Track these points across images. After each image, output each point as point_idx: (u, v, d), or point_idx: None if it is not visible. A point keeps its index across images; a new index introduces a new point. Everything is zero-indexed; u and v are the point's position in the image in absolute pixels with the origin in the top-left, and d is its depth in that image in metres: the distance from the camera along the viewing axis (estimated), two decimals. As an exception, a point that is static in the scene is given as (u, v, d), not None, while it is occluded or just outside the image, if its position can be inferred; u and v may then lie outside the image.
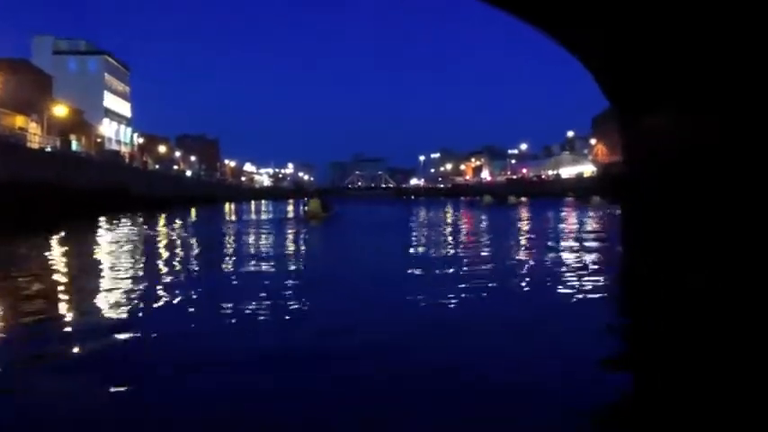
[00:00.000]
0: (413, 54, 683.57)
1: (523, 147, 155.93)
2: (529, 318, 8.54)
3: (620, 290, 11.62)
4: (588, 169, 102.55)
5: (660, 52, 11.10)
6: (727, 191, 10.47)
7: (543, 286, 10.98)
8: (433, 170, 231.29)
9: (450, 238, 23.20)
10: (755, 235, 10.25)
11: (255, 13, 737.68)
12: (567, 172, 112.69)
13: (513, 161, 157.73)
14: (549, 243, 19.54)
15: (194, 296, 10.37)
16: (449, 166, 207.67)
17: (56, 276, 12.99)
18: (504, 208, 55.30)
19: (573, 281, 11.49)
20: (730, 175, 10.23)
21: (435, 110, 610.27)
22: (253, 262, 15.37)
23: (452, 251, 18.15)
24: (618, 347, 7.18)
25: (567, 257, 15.33)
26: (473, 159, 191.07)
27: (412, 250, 18.71)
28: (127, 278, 12.52)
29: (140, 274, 13.46)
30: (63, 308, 9.64)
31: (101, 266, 14.83)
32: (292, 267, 14.48)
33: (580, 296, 10.08)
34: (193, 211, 56.58)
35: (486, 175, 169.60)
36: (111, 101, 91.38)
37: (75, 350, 6.95)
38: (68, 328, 8.09)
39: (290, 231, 27.77)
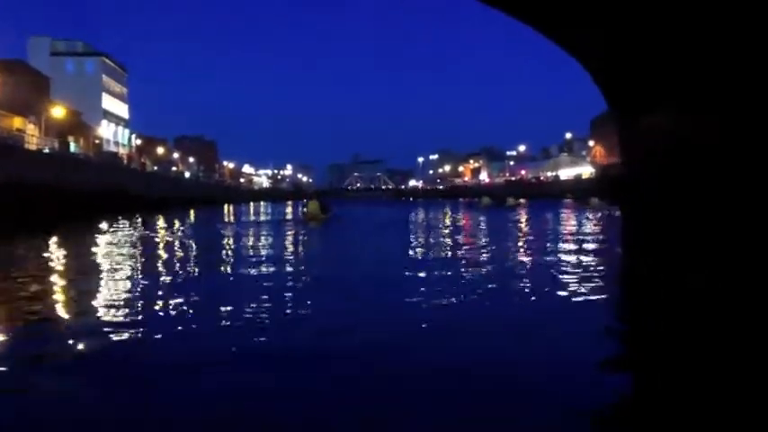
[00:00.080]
0: (413, 54, 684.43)
1: (522, 148, 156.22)
2: (528, 319, 8.53)
3: (620, 291, 11.62)
4: (587, 171, 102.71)
5: (660, 52, 11.11)
6: (728, 191, 10.47)
7: (542, 287, 10.96)
8: (431, 171, 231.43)
9: (449, 240, 23.18)
10: (756, 234, 10.24)
11: (255, 13, 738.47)
12: (565, 173, 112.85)
13: (512, 163, 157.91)
14: (549, 244, 19.53)
15: (194, 297, 10.34)
16: (447, 168, 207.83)
17: (54, 277, 12.95)
18: (503, 209, 55.31)
19: (572, 282, 11.48)
20: (730, 175, 10.22)
21: (435, 110, 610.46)
22: (253, 263, 15.34)
23: (451, 252, 18.14)
24: (618, 348, 7.18)
25: (566, 259, 15.31)
26: (472, 161, 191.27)
27: (411, 251, 18.69)
28: (125, 279, 12.51)
29: (138, 275, 13.43)
30: (62, 308, 9.63)
31: (99, 268, 14.79)
32: (292, 268, 14.44)
33: (580, 297, 10.07)
34: (192, 212, 56.54)
35: (484, 176, 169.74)
36: (108, 102, 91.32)
37: (75, 350, 6.94)
38: (68, 329, 8.07)
39: (289, 233, 27.74)
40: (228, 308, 9.02)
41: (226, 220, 44.51)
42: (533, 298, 10.26)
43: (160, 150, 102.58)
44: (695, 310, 8.88)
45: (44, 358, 6.53)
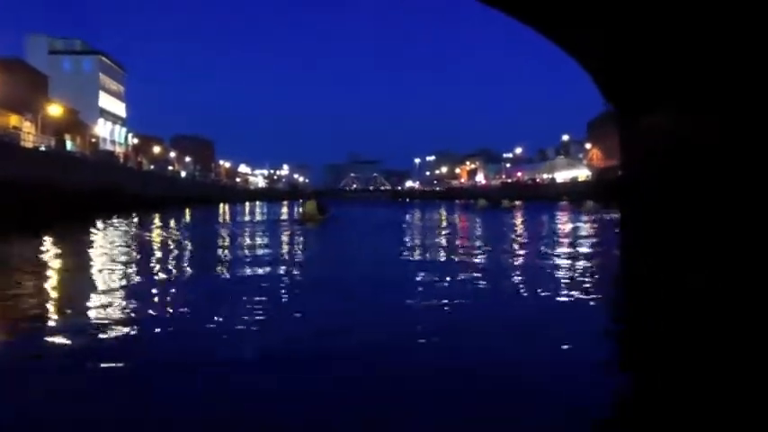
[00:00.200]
0: (413, 54, 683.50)
1: (519, 150, 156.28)
2: (528, 319, 8.55)
3: (619, 292, 11.64)
4: (583, 173, 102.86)
5: (660, 52, 11.13)
6: (728, 191, 10.49)
7: (540, 288, 10.97)
8: (428, 173, 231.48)
9: (446, 240, 23.21)
10: (758, 234, 10.22)
11: (255, 13, 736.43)
12: (561, 176, 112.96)
13: (509, 165, 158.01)
14: (546, 246, 19.57)
15: (190, 297, 10.34)
16: (444, 169, 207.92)
17: (51, 277, 12.93)
18: (498, 211, 55.46)
19: (571, 283, 11.51)
20: (731, 175, 10.22)
21: (434, 110, 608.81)
22: (251, 263, 15.33)
23: (448, 253, 18.14)
24: (618, 349, 7.20)
25: (564, 259, 15.33)
26: (468, 162, 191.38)
27: (409, 252, 18.71)
28: (120, 279, 12.48)
29: (134, 275, 13.38)
30: (59, 309, 9.58)
31: (95, 267, 14.76)
32: (292, 269, 14.43)
33: (578, 298, 10.08)
34: (188, 211, 56.45)
35: (481, 178, 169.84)
36: (105, 101, 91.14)
37: (74, 351, 6.88)
38: (66, 329, 8.00)
39: (288, 233, 27.70)
40: (226, 308, 9.01)
41: (222, 219, 44.45)
42: (531, 298, 10.26)
43: (157, 149, 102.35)
44: (695, 311, 8.90)
45: (43, 358, 6.53)
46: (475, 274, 12.95)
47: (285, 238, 25.01)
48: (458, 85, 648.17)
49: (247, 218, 47.13)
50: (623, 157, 14.68)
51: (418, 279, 12.39)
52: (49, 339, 7.32)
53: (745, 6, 8.94)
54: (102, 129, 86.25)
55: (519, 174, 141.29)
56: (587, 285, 11.32)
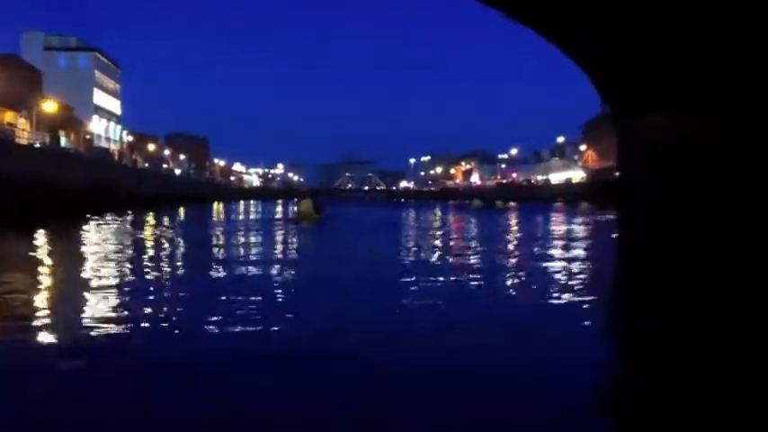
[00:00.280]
0: (413, 54, 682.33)
1: (514, 151, 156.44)
2: (525, 318, 8.57)
3: (617, 292, 11.66)
4: (578, 175, 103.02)
5: (661, 52, 11.14)
6: (729, 191, 10.50)
7: (537, 288, 11.01)
8: (423, 173, 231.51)
9: (441, 241, 23.24)
10: (758, 233, 10.19)
11: (255, 13, 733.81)
12: (556, 177, 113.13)
13: (504, 166, 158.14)
14: (541, 246, 19.61)
15: (186, 297, 10.32)
16: (439, 170, 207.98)
17: (46, 275, 12.89)
18: (493, 212, 55.61)
19: (567, 283, 11.53)
20: (732, 176, 10.21)
21: (433, 111, 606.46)
22: (246, 262, 15.32)
23: (444, 252, 18.17)
24: (616, 349, 7.22)
25: (560, 261, 15.36)
26: (463, 163, 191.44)
27: (405, 251, 18.73)
28: (115, 278, 12.43)
29: (129, 275, 13.28)
30: (56, 308, 9.55)
31: (91, 266, 14.71)
32: (288, 268, 14.42)
33: (576, 298, 10.09)
34: (182, 210, 56.32)
35: (476, 179, 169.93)
36: (101, 98, 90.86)
37: (73, 350, 6.84)
38: (65, 329, 7.99)
39: (283, 232, 27.67)
40: (222, 307, 9.01)
41: (217, 218, 44.39)
42: (528, 298, 10.29)
43: (151, 147, 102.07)
44: (695, 311, 8.93)
45: (42, 358, 6.52)
46: (470, 274, 12.97)
47: (280, 238, 24.98)
48: (457, 86, 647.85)
49: (242, 216, 47.07)
50: (621, 157, 14.66)
51: (414, 279, 12.39)
52: (48, 339, 7.29)
53: (745, 6, 8.94)
54: (96, 126, 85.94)
55: (514, 175, 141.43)
56: (584, 286, 11.36)
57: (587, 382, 5.86)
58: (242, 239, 23.60)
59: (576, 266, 14.52)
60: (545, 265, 14.79)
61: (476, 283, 11.87)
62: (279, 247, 20.75)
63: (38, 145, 51.02)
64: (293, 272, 13.66)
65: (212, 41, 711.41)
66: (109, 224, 31.32)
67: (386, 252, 18.88)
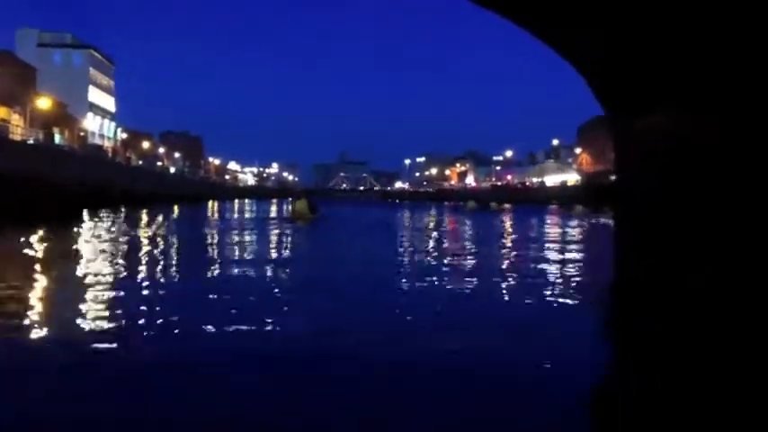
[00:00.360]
0: (413, 54, 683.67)
1: (509, 153, 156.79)
2: (523, 318, 8.57)
3: (615, 293, 11.65)
4: (572, 178, 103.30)
5: (660, 52, 11.11)
6: (729, 191, 10.48)
7: (535, 288, 10.97)
8: (418, 174, 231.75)
9: (437, 241, 23.23)
10: (759, 235, 10.16)
11: (255, 13, 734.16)
12: (551, 180, 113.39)
13: (498, 167, 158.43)
14: (537, 248, 19.61)
15: (182, 296, 10.28)
16: (434, 171, 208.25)
17: (42, 273, 12.80)
18: (488, 213, 55.73)
19: (565, 284, 11.53)
20: (732, 176, 10.19)
21: (432, 111, 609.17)
22: (241, 262, 15.28)
23: (439, 253, 18.14)
24: (617, 349, 7.22)
25: (556, 263, 15.37)
26: (458, 164, 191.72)
27: (400, 252, 18.71)
28: (111, 277, 12.37)
29: (124, 273, 13.16)
30: (54, 308, 9.49)
31: (86, 264, 14.62)
32: (283, 268, 14.38)
33: (575, 299, 10.09)
34: (176, 208, 56.17)
35: (470, 180, 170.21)
36: (95, 95, 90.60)
37: (73, 350, 6.77)
38: (64, 329, 7.93)
39: (278, 232, 27.60)
40: (219, 307, 8.98)
41: (211, 216, 44.27)
42: (526, 298, 10.24)
43: (146, 145, 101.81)
44: (695, 311, 8.93)
45: (42, 357, 6.46)
46: (466, 275, 12.96)
47: (275, 237, 24.92)
48: (456, 86, 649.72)
49: (236, 215, 46.98)
50: (618, 160, 14.62)
51: (409, 279, 12.37)
52: (47, 339, 7.24)
53: (744, 6, 8.94)
54: (90, 123, 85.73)
55: (509, 177, 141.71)
56: (583, 286, 11.36)
57: (587, 382, 5.85)
58: (237, 238, 23.53)
59: (572, 268, 14.53)
60: (541, 266, 14.78)
61: (473, 283, 11.85)
62: (274, 247, 20.70)
63: (32, 141, 50.84)
64: (288, 271, 13.61)
65: (212, 41, 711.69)
66: (103, 221, 31.19)
67: (381, 252, 18.86)
